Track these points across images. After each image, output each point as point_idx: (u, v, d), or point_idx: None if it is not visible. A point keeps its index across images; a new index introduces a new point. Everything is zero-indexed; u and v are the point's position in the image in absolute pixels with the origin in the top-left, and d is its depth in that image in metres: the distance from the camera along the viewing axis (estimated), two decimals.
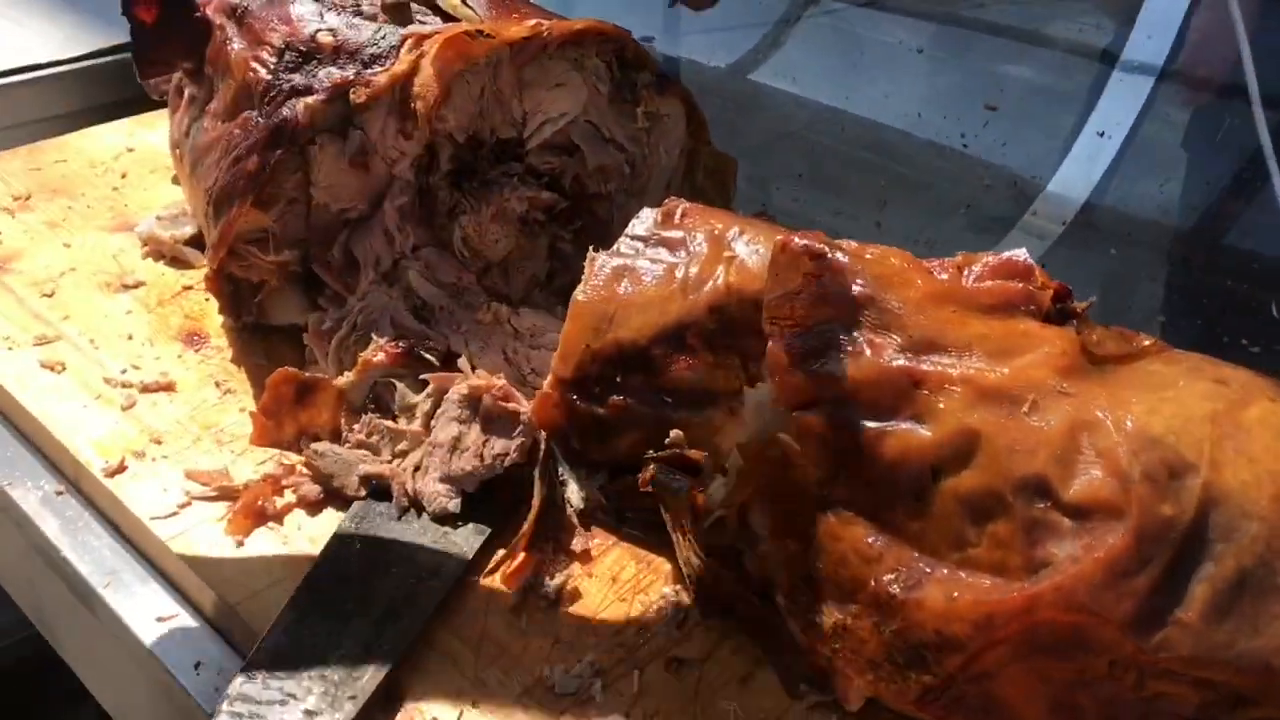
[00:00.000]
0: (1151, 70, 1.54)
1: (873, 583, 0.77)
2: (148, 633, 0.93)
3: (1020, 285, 0.81)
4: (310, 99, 1.07)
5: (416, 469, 0.98)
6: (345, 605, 0.88)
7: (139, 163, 1.53)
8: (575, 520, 0.98)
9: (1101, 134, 1.56)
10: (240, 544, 0.96)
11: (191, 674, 0.89)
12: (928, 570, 0.76)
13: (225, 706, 0.78)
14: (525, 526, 0.93)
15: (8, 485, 1.06)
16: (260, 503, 0.98)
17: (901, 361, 0.78)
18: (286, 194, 1.10)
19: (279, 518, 0.98)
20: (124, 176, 1.50)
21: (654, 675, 0.85)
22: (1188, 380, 0.75)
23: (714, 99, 1.83)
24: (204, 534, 0.96)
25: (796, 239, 0.86)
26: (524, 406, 0.99)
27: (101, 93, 1.76)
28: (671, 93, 1.22)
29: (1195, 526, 0.69)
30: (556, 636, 0.88)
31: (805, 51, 1.83)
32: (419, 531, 0.95)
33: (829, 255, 0.84)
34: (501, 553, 0.93)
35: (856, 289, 0.82)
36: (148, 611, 0.94)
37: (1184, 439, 0.71)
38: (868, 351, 0.80)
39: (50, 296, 1.25)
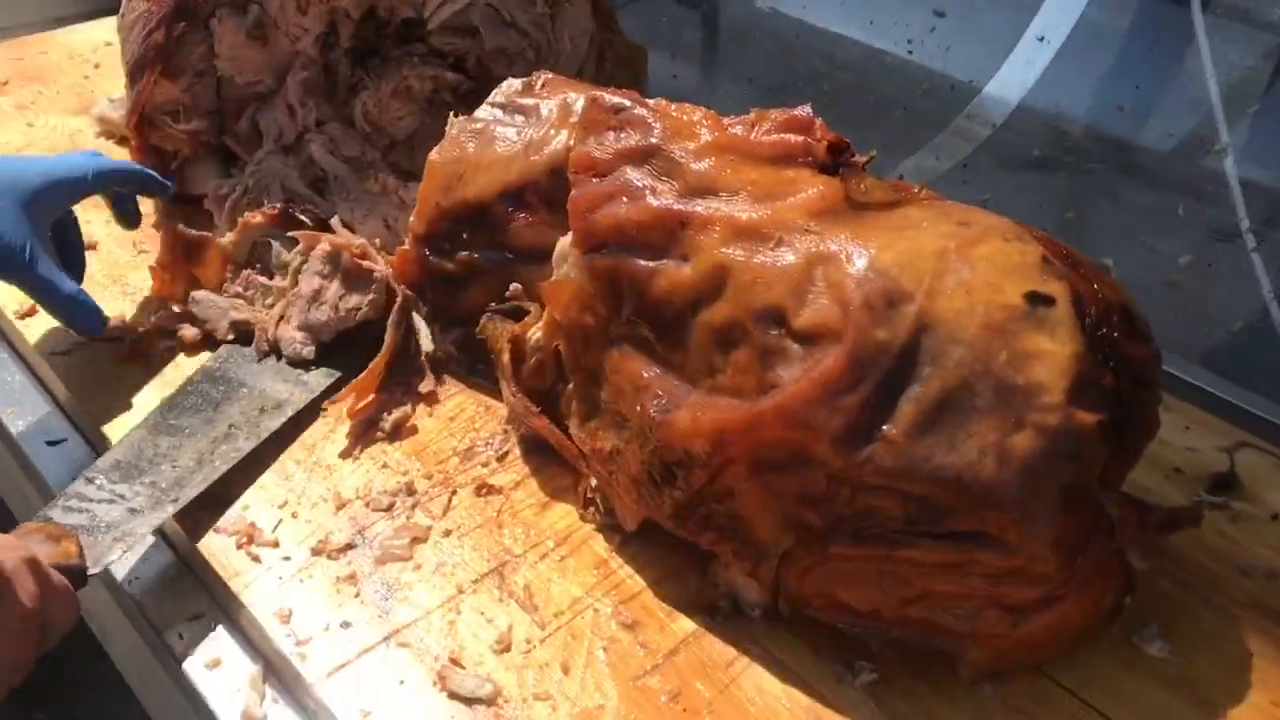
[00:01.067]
0: None
1: (639, 408, 0.83)
2: (38, 455, 1.03)
3: (799, 138, 0.85)
4: None
5: (281, 319, 1.06)
6: (190, 427, 0.96)
7: (113, 55, 1.61)
8: (426, 365, 1.05)
9: (1041, 39, 1.56)
10: (121, 378, 1.05)
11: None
12: (683, 396, 0.81)
13: (60, 501, 0.87)
14: (373, 366, 1.00)
15: None
16: (145, 347, 1.07)
17: (675, 205, 0.83)
18: (193, 66, 1.19)
19: (161, 358, 1.07)
20: (96, 67, 1.60)
21: (464, 498, 0.93)
22: (932, 222, 0.79)
23: (672, 2, 1.88)
24: (93, 369, 1.06)
25: (605, 95, 0.92)
26: (379, 265, 1.06)
27: None
28: None
29: (907, 350, 0.73)
30: (385, 463, 0.96)
31: None
32: (274, 373, 1.04)
33: (629, 109, 0.89)
34: (349, 387, 1.00)
35: (649, 140, 0.87)
36: (40, 436, 1.04)
37: (907, 271, 0.75)
38: (649, 196, 0.85)
39: None
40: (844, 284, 0.75)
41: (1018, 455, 0.71)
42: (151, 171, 1.12)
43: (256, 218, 1.10)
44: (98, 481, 0.90)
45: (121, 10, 1.33)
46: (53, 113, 1.48)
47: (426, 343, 1.04)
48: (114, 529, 0.85)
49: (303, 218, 1.10)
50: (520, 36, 1.28)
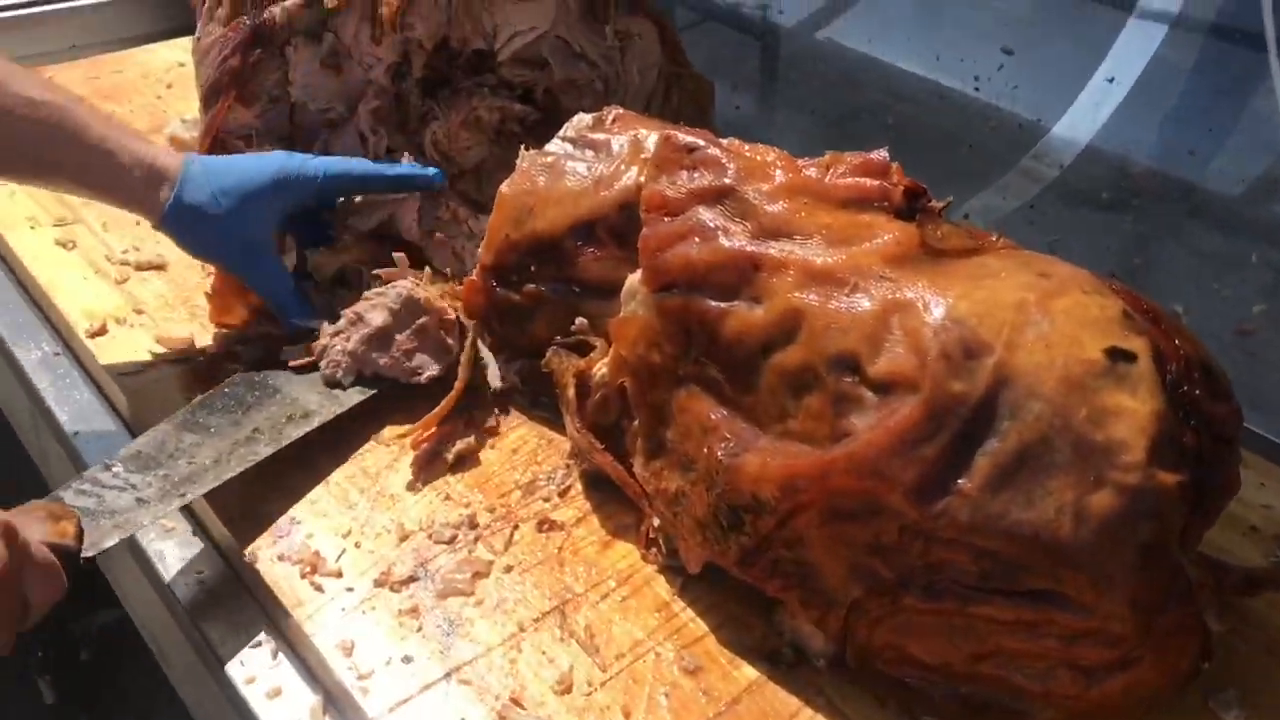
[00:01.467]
0: (1165, 18, 1.52)
1: (707, 451, 0.82)
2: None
3: (875, 182, 0.85)
4: (288, 2, 1.16)
5: (338, 334, 1.06)
6: (216, 427, 0.97)
7: (186, 76, 1.65)
8: (490, 400, 1.05)
9: (1111, 80, 1.55)
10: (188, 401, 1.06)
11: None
12: (752, 440, 0.80)
13: (74, 484, 0.88)
14: (444, 404, 1.00)
15: (14, 345, 1.19)
16: (210, 369, 1.08)
17: (747, 246, 0.83)
18: (267, 92, 1.20)
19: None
20: (169, 87, 1.63)
21: (526, 533, 0.92)
22: (1010, 272, 0.78)
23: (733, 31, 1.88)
24: (160, 390, 1.07)
25: (678, 133, 0.92)
26: (455, 340, 1.06)
27: (173, 16, 1.89)
28: (641, 13, 1.27)
29: (984, 403, 0.72)
30: (448, 494, 0.96)
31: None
32: (310, 384, 1.04)
33: (703, 148, 0.89)
34: (419, 423, 0.99)
35: (722, 180, 0.87)
36: (106, 456, 1.05)
37: (986, 322, 0.74)
38: (722, 237, 0.84)
39: None
40: (921, 333, 0.74)
41: (1096, 514, 0.70)
42: (414, 168, 1.15)
43: (350, 242, 1.11)
44: (115, 469, 0.91)
45: (197, 33, 1.35)
46: None
47: (494, 379, 1.04)
48: (117, 516, 0.86)
49: (396, 255, 1.11)
50: (589, 69, 1.28)
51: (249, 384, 1.03)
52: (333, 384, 1.04)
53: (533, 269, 1.03)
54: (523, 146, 1.06)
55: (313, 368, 1.05)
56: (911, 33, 1.79)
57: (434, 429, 1.01)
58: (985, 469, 0.72)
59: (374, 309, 1.06)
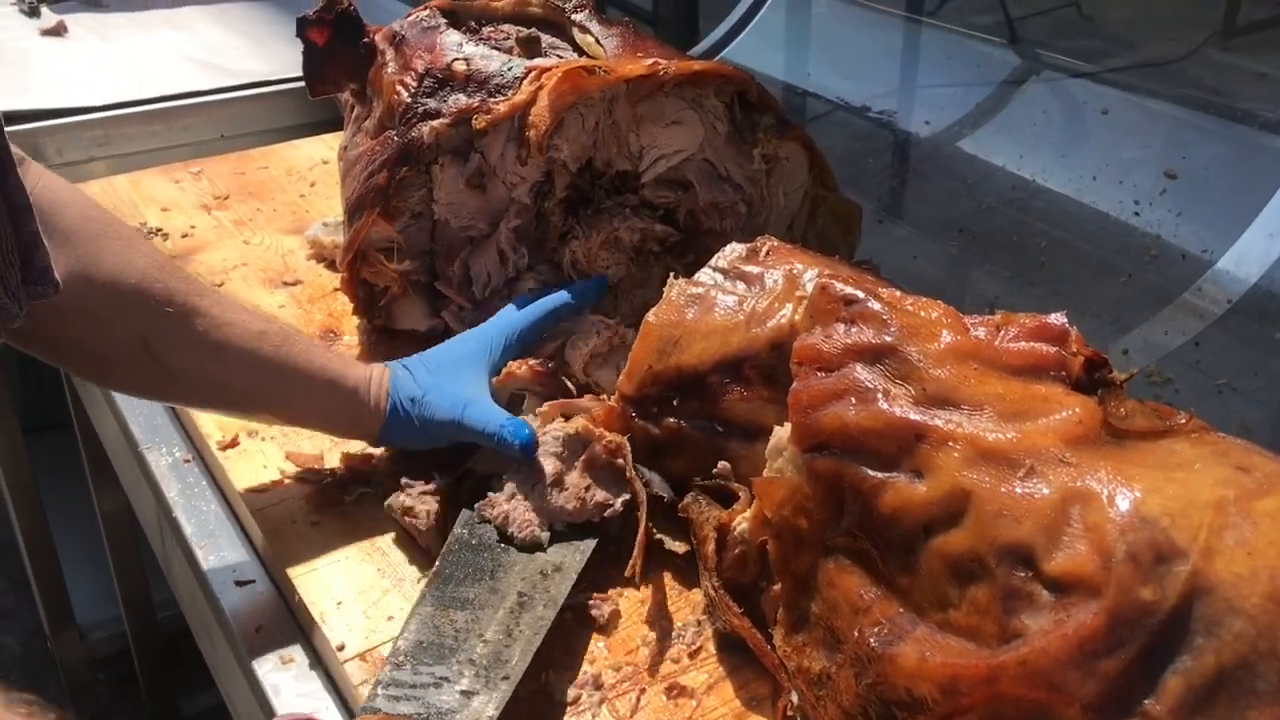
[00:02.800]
0: None
1: (857, 634, 0.76)
2: (226, 593, 1.02)
3: (1052, 350, 0.79)
4: (437, 122, 1.16)
5: (512, 498, 1.01)
6: (478, 599, 0.93)
7: (328, 174, 1.68)
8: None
9: None
10: (315, 523, 1.04)
11: (252, 637, 0.98)
12: (909, 628, 0.74)
13: (381, 690, 0.83)
14: (641, 530, 0.95)
15: (147, 449, 1.19)
16: (340, 488, 1.06)
17: (911, 414, 0.77)
18: (411, 208, 1.19)
19: (355, 503, 1.06)
20: (312, 185, 1.65)
21: (653, 698, 0.87)
22: (1206, 463, 0.71)
23: (881, 145, 1.84)
24: (287, 509, 1.05)
25: (837, 283, 0.87)
26: (629, 462, 1.00)
27: (317, 110, 1.93)
28: (791, 136, 1.24)
29: (1177, 615, 0.65)
30: (568, 645, 0.91)
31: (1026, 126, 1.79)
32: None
33: (862, 301, 0.84)
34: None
35: (883, 339, 0.81)
36: (230, 575, 1.04)
37: (1180, 522, 0.67)
38: (882, 401, 0.79)
39: (220, 286, 1.39)
40: (1105, 530, 0.68)
41: None
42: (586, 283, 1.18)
43: (522, 369, 1.08)
44: (408, 666, 0.86)
45: (344, 143, 1.36)
46: (269, 230, 1.52)
47: (663, 489, 0.99)
48: (456, 714, 0.82)
49: (569, 384, 1.08)
50: (734, 191, 1.25)
51: (471, 549, 0.98)
52: (534, 547, 0.99)
53: (675, 403, 0.99)
54: (671, 275, 1.03)
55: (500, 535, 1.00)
56: (1064, 150, 1.72)
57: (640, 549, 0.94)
58: (1176, 691, 0.64)
59: (545, 457, 1.02)
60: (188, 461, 1.17)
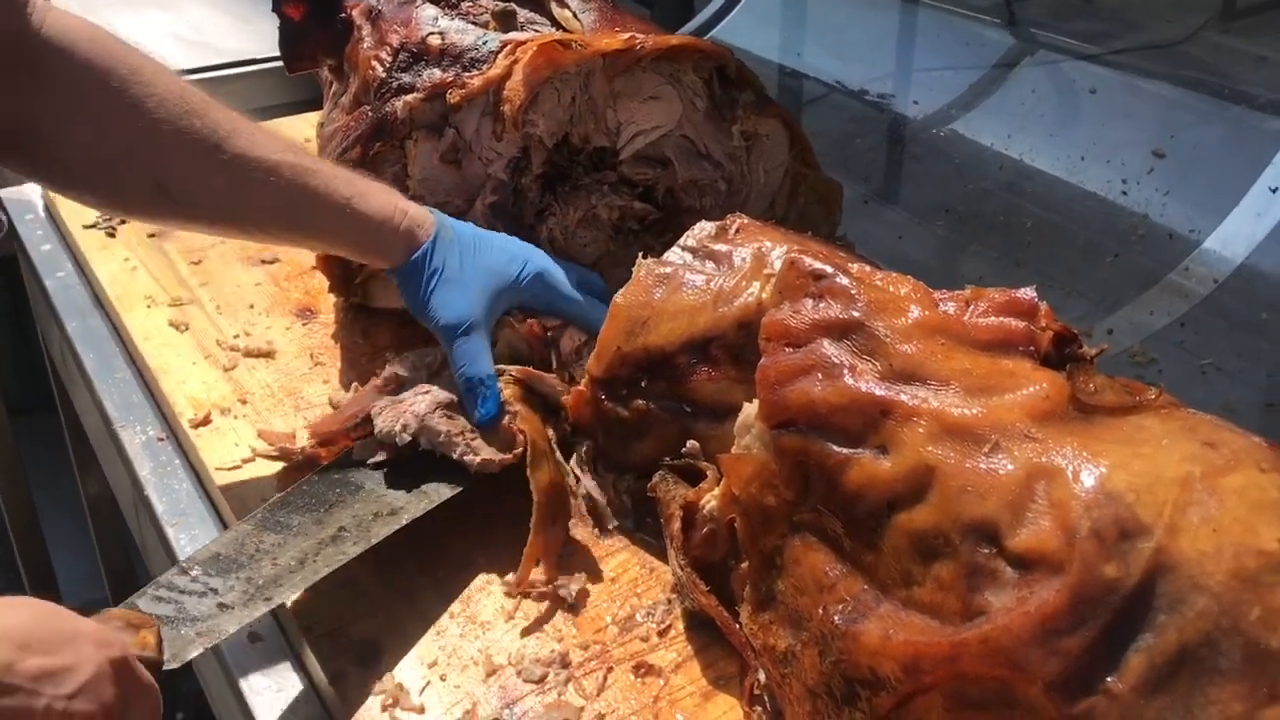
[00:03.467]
0: None
1: (822, 611, 0.75)
2: None
3: (1021, 324, 0.77)
4: (410, 97, 1.14)
5: (419, 396, 1.01)
6: (299, 526, 0.93)
7: (311, 151, 1.66)
8: (584, 511, 0.99)
9: (1275, 190, 1.44)
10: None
11: None
12: (873, 605, 0.73)
13: (150, 590, 0.84)
14: (531, 543, 0.93)
15: (121, 427, 1.18)
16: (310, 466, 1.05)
17: (876, 389, 0.76)
18: (386, 184, 1.18)
19: None
20: None
21: (620, 676, 0.86)
22: (1173, 439, 0.69)
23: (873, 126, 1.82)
24: (257, 487, 1.04)
25: (806, 258, 0.86)
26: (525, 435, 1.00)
27: (305, 89, 1.92)
28: (771, 113, 1.22)
29: (1140, 592, 0.64)
30: (540, 624, 0.91)
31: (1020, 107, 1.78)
32: (395, 480, 0.99)
33: (830, 276, 0.83)
34: (525, 561, 0.93)
35: (850, 314, 0.80)
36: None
37: (1145, 499, 0.65)
38: (848, 376, 0.78)
39: (197, 264, 1.38)
40: (1069, 506, 0.67)
41: None
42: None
43: (523, 324, 1.08)
44: (193, 572, 0.87)
45: (322, 119, 1.35)
46: None
47: (596, 492, 0.99)
48: (199, 624, 0.82)
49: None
50: (713, 168, 1.23)
51: (330, 482, 0.99)
52: (388, 444, 0.98)
53: (643, 384, 0.98)
54: (640, 255, 1.02)
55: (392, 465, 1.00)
56: (1053, 130, 1.70)
57: (544, 571, 0.94)
58: (1138, 668, 0.63)
59: (448, 384, 1.02)
60: (161, 440, 1.16)
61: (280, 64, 1.88)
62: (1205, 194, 1.50)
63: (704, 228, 1.02)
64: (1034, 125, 1.74)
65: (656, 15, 2.96)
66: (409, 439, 0.98)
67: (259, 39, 1.99)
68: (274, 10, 1.27)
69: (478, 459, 0.98)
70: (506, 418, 1.00)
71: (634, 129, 1.19)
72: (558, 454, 1.01)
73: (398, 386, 1.08)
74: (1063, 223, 1.56)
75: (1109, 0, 2.04)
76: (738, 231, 1.01)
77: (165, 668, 0.78)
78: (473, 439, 0.98)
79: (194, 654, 0.81)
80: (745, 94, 1.22)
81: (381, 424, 0.99)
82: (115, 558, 2.00)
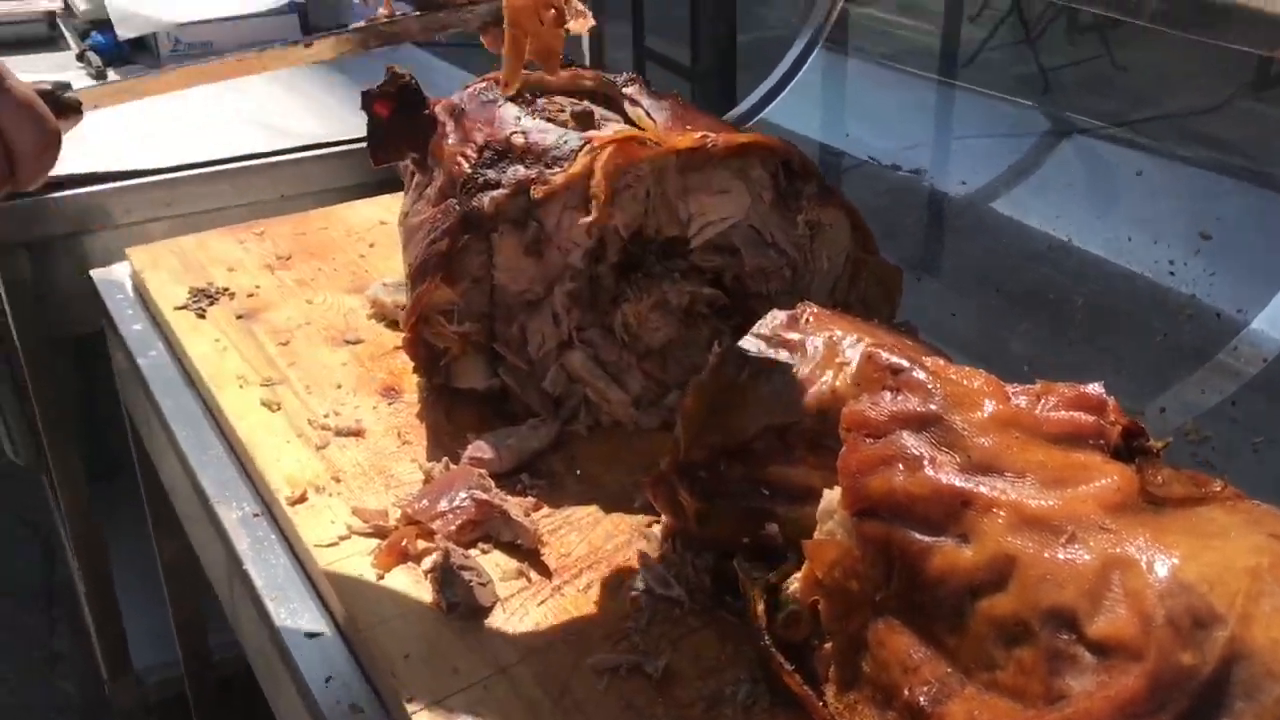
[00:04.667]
0: None
1: (907, 692, 0.80)
2: (296, 645, 1.07)
3: (1091, 418, 0.82)
4: (497, 193, 1.21)
5: None
6: None
7: (387, 235, 1.74)
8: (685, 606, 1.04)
9: None
10: (380, 577, 1.08)
11: (322, 686, 1.02)
12: (957, 687, 0.78)
13: None
14: None
15: (217, 502, 1.25)
16: (404, 543, 1.10)
17: (956, 480, 0.81)
18: (471, 273, 1.25)
19: (418, 559, 1.10)
20: (371, 246, 1.72)
21: None
22: (1241, 531, 0.74)
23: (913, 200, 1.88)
24: (355, 565, 1.10)
25: (882, 352, 0.91)
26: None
27: (373, 171, 2.00)
28: (834, 204, 1.28)
29: (1216, 679, 0.68)
30: (629, 702, 0.95)
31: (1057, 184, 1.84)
32: None
33: (908, 370, 0.88)
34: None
35: (928, 407, 0.86)
36: (300, 627, 1.09)
37: (1217, 589, 0.70)
38: (928, 467, 0.83)
39: (285, 345, 1.45)
40: (1145, 595, 0.71)
41: None
42: None
43: None
44: None
45: (404, 209, 1.42)
46: (330, 289, 1.58)
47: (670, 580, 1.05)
48: None
49: None
50: (778, 256, 1.30)
51: None
52: None
53: (723, 467, 1.03)
54: (716, 342, 1.07)
55: None
56: (1100, 211, 1.76)
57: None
58: None
59: None
60: (256, 516, 1.22)
61: (355, 147, 2.00)
62: (1251, 274, 1.54)
63: (776, 317, 1.08)
64: (1077, 203, 1.79)
65: (698, 91, 3.06)
66: None
67: (330, 122, 2.09)
68: (363, 108, 1.34)
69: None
70: None
71: (704, 220, 1.26)
72: None
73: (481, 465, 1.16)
74: (1111, 302, 1.61)
75: (1141, 67, 2.10)
76: (808, 320, 1.07)
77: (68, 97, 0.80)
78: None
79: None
80: (809, 185, 1.28)
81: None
82: (189, 622, 2.06)
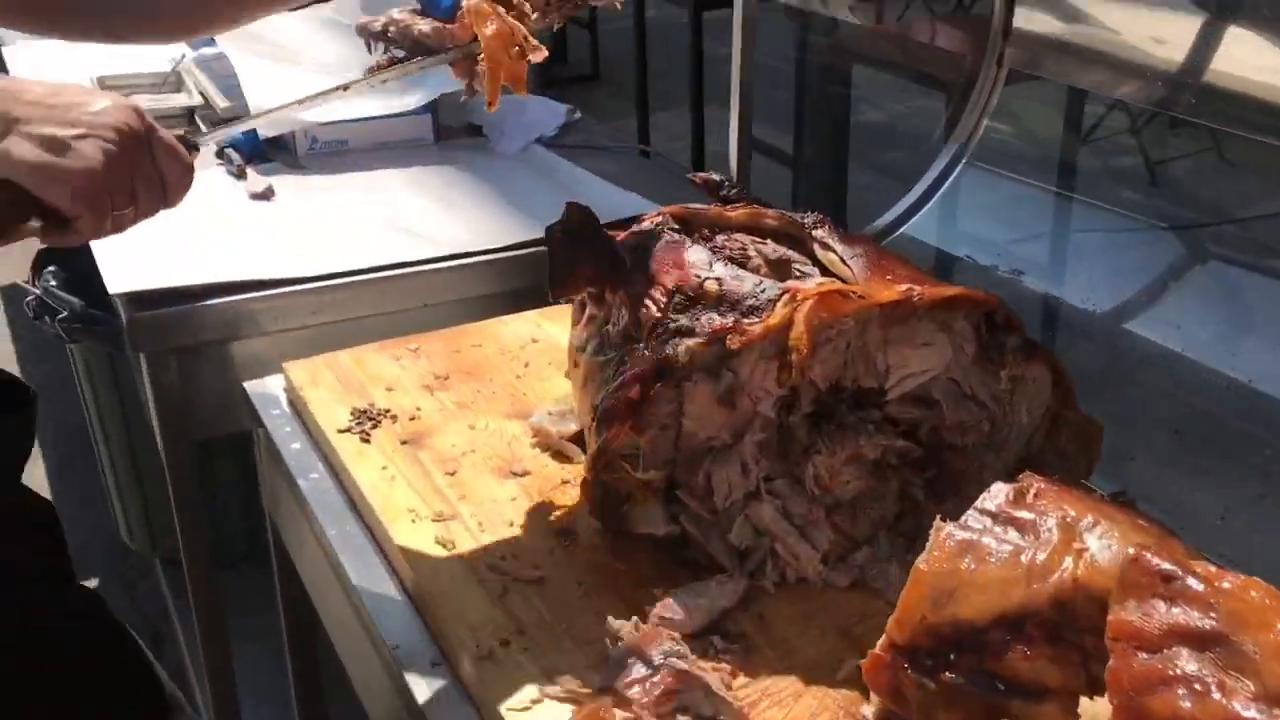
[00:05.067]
0: None
1: None
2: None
3: None
4: (691, 341, 1.18)
5: None
6: None
7: (540, 354, 1.72)
8: None
9: None
10: None
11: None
12: None
13: None
14: None
15: (396, 648, 1.21)
16: (601, 713, 1.06)
17: (1251, 713, 0.75)
18: (660, 420, 1.22)
19: None
20: (526, 365, 1.69)
21: None
22: None
23: (1086, 345, 1.83)
24: None
25: (1150, 555, 0.86)
26: None
27: (517, 279, 2.00)
28: (1038, 358, 1.24)
29: None
30: None
31: (1192, 305, 1.78)
32: None
33: (1182, 579, 0.83)
34: None
35: (1209, 623, 0.80)
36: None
37: None
38: (1215, 693, 0.77)
39: (453, 475, 1.43)
40: None
41: None
42: None
43: None
44: None
45: (576, 341, 1.40)
46: (491, 414, 1.56)
47: None
48: None
49: None
50: (979, 409, 1.25)
51: None
52: None
53: (951, 657, 0.98)
54: (939, 518, 1.03)
55: None
56: (1224, 331, 1.70)
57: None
58: None
59: None
60: (436, 664, 1.19)
61: (499, 256, 2.00)
62: None
63: (1001, 491, 1.03)
64: (1248, 343, 1.73)
65: (802, 184, 3.03)
66: None
67: (469, 227, 2.10)
68: (545, 244, 1.33)
69: None
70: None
71: (903, 372, 1.22)
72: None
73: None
74: (1217, 413, 1.54)
75: (1249, 159, 2.03)
76: (1036, 496, 1.02)
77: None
78: None
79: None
80: (1013, 338, 1.23)
81: None
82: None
